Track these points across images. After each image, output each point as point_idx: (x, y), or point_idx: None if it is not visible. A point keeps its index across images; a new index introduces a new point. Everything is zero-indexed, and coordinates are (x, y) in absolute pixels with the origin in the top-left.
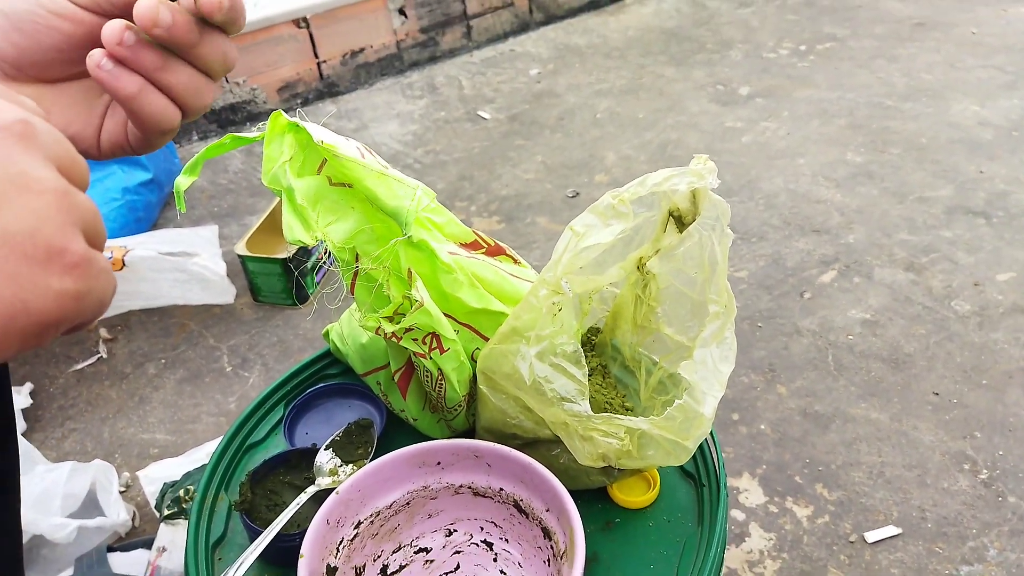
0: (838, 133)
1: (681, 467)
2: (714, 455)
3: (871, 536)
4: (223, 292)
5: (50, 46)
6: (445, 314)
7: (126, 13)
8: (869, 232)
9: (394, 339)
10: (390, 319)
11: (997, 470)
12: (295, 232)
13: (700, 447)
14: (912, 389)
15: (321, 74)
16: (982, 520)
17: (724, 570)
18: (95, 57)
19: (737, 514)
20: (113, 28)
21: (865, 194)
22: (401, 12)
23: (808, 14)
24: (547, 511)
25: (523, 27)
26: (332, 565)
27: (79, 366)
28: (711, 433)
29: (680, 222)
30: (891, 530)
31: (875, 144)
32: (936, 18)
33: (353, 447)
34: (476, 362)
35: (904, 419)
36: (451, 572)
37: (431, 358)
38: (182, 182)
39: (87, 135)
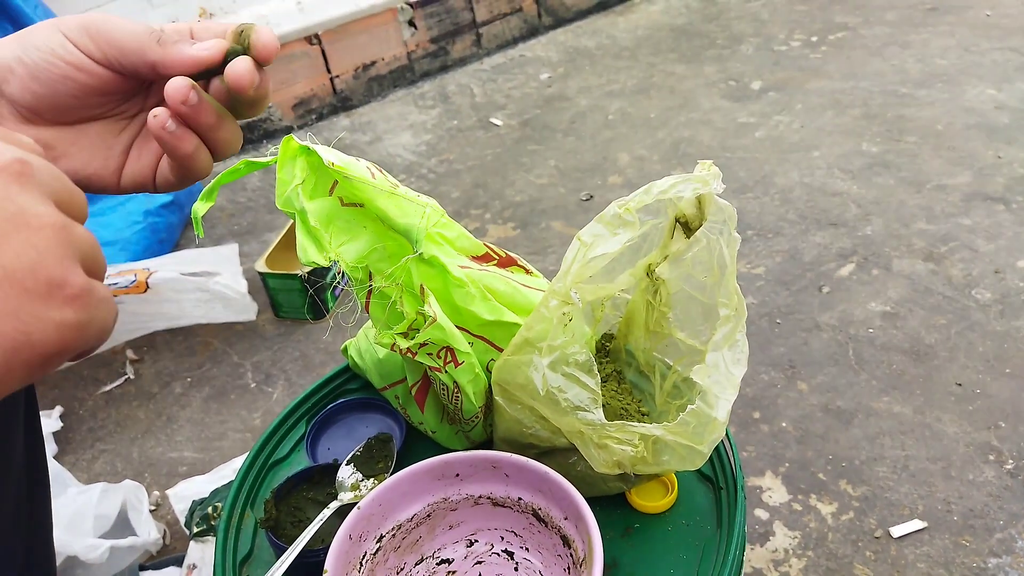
0: (853, 123)
1: (699, 470)
2: (731, 457)
3: (896, 531)
4: (245, 309)
5: (66, 93)
6: (459, 327)
7: (137, 71)
8: (887, 223)
9: (409, 354)
10: (404, 335)
11: (1023, 460)
12: (309, 254)
13: (716, 449)
14: (934, 381)
15: (334, 89)
16: (1009, 511)
17: (749, 570)
18: (160, 118)
19: (761, 513)
20: (179, 87)
21: (882, 184)
22: (411, 23)
23: (818, 4)
24: (565, 519)
25: (532, 32)
26: None
27: (107, 388)
28: (727, 435)
29: (687, 228)
30: (917, 524)
31: (891, 133)
32: (949, 1)
33: (374, 461)
34: (491, 373)
35: (927, 411)
36: None
37: (446, 372)
38: (199, 208)
39: (106, 174)
